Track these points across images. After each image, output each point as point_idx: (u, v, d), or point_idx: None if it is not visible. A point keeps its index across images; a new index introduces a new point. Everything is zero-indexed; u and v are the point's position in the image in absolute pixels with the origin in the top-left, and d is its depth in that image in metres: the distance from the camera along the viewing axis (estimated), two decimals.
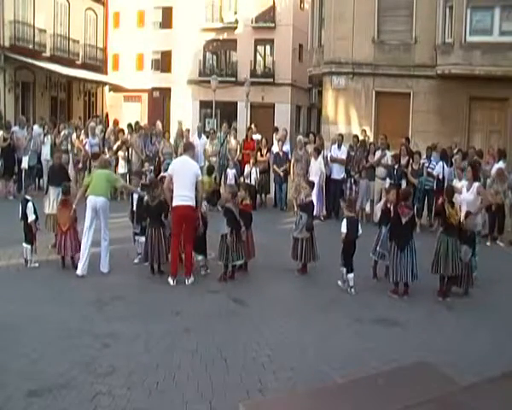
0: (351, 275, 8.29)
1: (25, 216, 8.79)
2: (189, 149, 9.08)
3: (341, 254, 8.36)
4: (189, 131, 16.52)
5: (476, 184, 9.58)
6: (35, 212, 8.86)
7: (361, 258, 9.25)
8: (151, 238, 8.60)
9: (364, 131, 17.28)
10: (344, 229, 8.30)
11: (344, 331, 6.87)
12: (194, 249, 8.79)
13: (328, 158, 14.13)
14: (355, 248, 8.34)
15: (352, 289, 8.27)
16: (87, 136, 15.48)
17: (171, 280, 8.35)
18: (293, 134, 27.88)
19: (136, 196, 9.43)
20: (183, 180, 8.31)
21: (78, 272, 8.55)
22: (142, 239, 9.01)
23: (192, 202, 8.30)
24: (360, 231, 8.41)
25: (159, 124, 17.89)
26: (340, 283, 8.44)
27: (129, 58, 39.91)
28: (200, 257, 8.84)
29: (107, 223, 8.91)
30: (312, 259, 8.96)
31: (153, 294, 8.10)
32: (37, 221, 8.93)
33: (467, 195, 9.60)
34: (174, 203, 8.31)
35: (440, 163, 13.08)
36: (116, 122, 18.50)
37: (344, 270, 8.34)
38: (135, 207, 9.39)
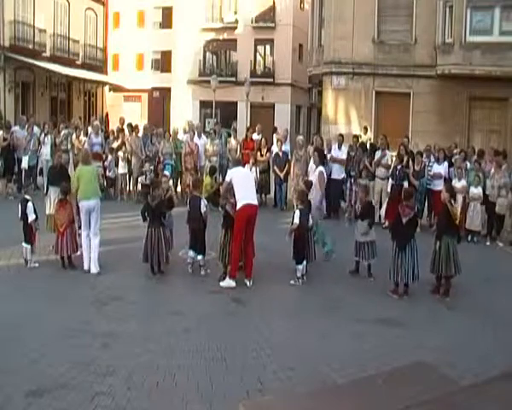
0: (300, 266, 8.52)
1: (25, 216, 8.78)
2: (240, 163, 9.45)
3: (294, 248, 8.59)
4: (193, 131, 16.08)
5: (319, 169, 9.86)
6: (35, 211, 8.86)
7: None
8: (151, 238, 8.60)
9: (366, 128, 17.25)
10: (297, 220, 8.49)
11: (344, 331, 6.86)
12: (192, 249, 8.82)
13: (328, 158, 14.13)
14: (306, 238, 8.72)
15: (300, 280, 8.50)
16: (85, 135, 15.48)
17: (247, 282, 8.45)
18: (294, 134, 27.86)
19: None
20: (249, 183, 8.70)
21: (94, 270, 8.63)
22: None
23: (257, 203, 8.66)
24: (310, 222, 8.81)
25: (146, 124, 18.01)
26: (292, 282, 8.55)
27: (129, 58, 39.96)
28: (199, 257, 8.85)
29: (98, 221, 8.90)
30: (311, 258, 8.99)
31: (153, 294, 8.11)
32: (36, 221, 8.93)
33: (312, 177, 10.17)
34: (244, 202, 8.36)
35: (445, 163, 13.05)
36: (122, 120, 18.18)
37: (299, 266, 8.53)
38: None
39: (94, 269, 8.67)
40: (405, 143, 14.76)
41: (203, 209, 8.81)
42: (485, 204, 12.27)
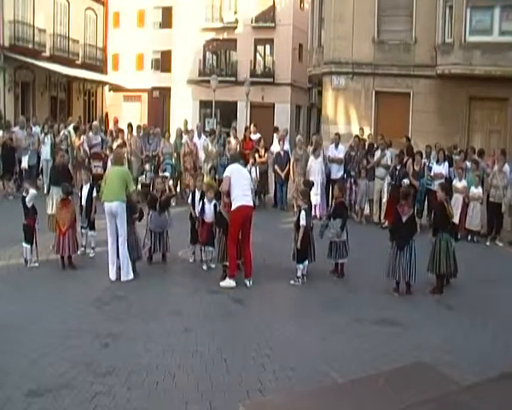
0: (301, 265, 8.48)
1: (27, 211, 8.74)
2: (238, 159, 9.24)
3: (297, 249, 8.49)
4: (193, 131, 16.08)
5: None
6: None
7: (359, 258, 9.27)
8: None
9: (362, 129, 17.24)
10: (304, 222, 8.44)
11: (344, 331, 6.86)
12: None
13: (326, 157, 14.16)
14: (309, 238, 8.64)
15: (300, 280, 8.46)
16: (84, 133, 15.51)
17: (247, 282, 8.39)
18: (293, 134, 27.84)
19: (85, 191, 9.59)
20: (245, 182, 8.50)
21: (124, 278, 8.32)
22: (90, 233, 9.54)
23: (252, 204, 8.60)
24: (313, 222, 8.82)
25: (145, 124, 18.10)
26: (292, 282, 8.52)
27: (129, 58, 39.96)
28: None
29: (125, 227, 8.40)
30: (312, 258, 8.99)
31: (153, 294, 8.10)
32: (35, 220, 8.91)
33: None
34: (239, 203, 8.26)
35: (446, 164, 13.03)
36: (116, 120, 18.36)
37: (300, 266, 8.49)
38: (83, 202, 9.61)
39: (126, 276, 8.31)
40: (407, 145, 14.76)
41: (196, 208, 9.23)
42: (486, 204, 12.27)
